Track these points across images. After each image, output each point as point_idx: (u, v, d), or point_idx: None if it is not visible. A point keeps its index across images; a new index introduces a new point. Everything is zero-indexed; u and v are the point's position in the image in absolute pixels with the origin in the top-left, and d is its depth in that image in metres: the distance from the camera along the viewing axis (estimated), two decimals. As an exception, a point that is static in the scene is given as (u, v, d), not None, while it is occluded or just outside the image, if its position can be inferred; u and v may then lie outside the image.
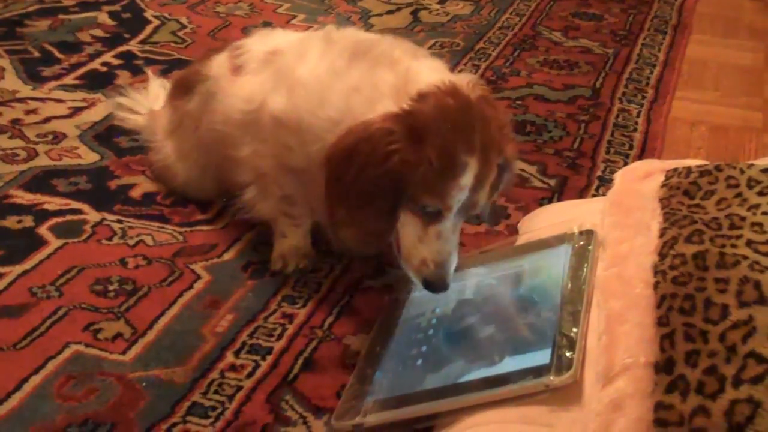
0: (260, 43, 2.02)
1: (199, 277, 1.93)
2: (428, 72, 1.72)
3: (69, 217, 2.12)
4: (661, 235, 1.53)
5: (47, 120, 2.57)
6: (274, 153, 1.87)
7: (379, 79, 1.71)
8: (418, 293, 1.79)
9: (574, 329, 1.46)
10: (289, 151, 1.83)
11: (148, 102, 2.51)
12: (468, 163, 1.59)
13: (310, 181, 1.84)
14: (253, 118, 1.89)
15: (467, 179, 1.60)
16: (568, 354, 1.41)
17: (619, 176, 1.81)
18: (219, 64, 2.05)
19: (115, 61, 2.98)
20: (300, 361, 1.71)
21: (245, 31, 3.24)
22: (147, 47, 3.11)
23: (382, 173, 1.59)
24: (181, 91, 2.16)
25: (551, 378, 1.37)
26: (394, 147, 1.58)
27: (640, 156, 2.50)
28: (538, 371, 1.40)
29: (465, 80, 1.70)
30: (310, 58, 1.84)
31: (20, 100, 2.68)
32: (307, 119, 1.77)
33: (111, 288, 1.88)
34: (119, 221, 2.11)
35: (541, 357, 1.43)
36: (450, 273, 1.64)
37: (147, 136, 2.35)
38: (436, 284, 1.63)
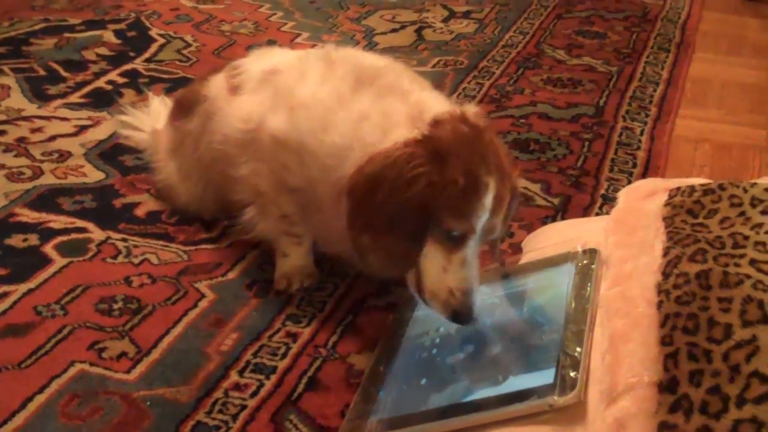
0: (258, 62, 2.03)
1: (203, 295, 1.94)
2: (438, 102, 1.76)
3: (74, 236, 2.12)
4: (665, 254, 1.53)
5: (52, 138, 2.58)
6: (272, 172, 1.87)
7: (391, 108, 1.73)
8: (422, 312, 1.79)
9: (578, 349, 1.46)
10: (288, 171, 1.84)
11: (150, 120, 2.52)
12: (489, 183, 1.62)
13: (308, 201, 1.85)
14: (251, 137, 1.90)
15: (489, 199, 1.63)
16: (572, 374, 1.41)
17: (623, 195, 1.81)
18: (217, 84, 2.06)
19: (120, 80, 2.99)
20: (304, 380, 1.71)
21: (250, 50, 3.26)
22: (152, 65, 3.12)
23: (409, 197, 1.60)
24: (182, 111, 2.17)
25: (555, 398, 1.37)
26: (420, 170, 1.60)
27: (644, 174, 2.50)
28: (542, 391, 1.40)
29: (471, 110, 1.74)
30: (310, 79, 1.85)
31: (26, 119, 2.69)
32: (309, 141, 1.78)
33: (116, 307, 1.89)
34: (124, 240, 2.12)
35: (545, 377, 1.43)
36: (476, 303, 1.63)
37: (150, 155, 2.36)
38: (464, 316, 1.62)
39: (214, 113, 2.02)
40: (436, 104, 1.75)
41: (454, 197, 1.60)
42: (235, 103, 1.96)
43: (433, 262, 1.64)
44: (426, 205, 1.60)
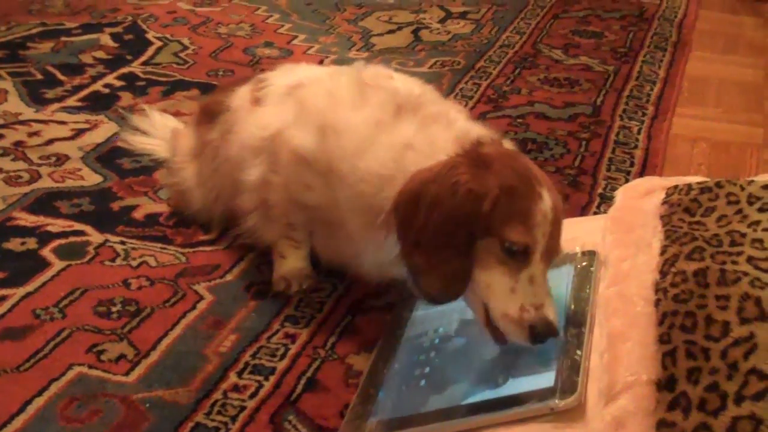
0: (284, 76, 2.03)
1: (201, 297, 1.94)
2: (481, 130, 1.73)
3: (72, 239, 2.12)
4: (662, 253, 1.53)
5: (50, 142, 2.58)
6: (287, 187, 1.87)
7: (436, 137, 1.69)
8: (421, 312, 1.79)
9: (578, 351, 1.46)
10: (308, 190, 1.83)
11: (155, 130, 2.54)
12: (542, 194, 1.56)
13: (326, 219, 1.85)
14: (267, 145, 1.90)
15: (547, 206, 1.55)
16: (572, 377, 1.41)
17: (620, 193, 1.82)
18: (241, 96, 2.07)
19: (118, 83, 2.99)
20: (303, 381, 1.71)
21: (247, 52, 3.27)
22: (149, 68, 3.12)
23: (452, 206, 1.54)
24: (206, 118, 2.17)
25: (556, 401, 1.37)
26: (460, 177, 1.55)
27: (641, 173, 2.50)
28: (542, 394, 1.40)
29: (509, 144, 1.76)
30: (344, 102, 1.81)
31: (23, 123, 2.69)
32: (341, 166, 1.75)
33: (114, 309, 1.89)
34: (122, 242, 2.12)
35: (546, 379, 1.43)
36: (555, 316, 1.52)
37: (167, 155, 2.37)
38: (544, 330, 1.50)
39: (234, 124, 2.02)
40: (480, 131, 1.71)
41: (504, 205, 1.53)
42: (255, 114, 1.97)
43: (498, 284, 1.54)
44: (471, 215, 1.53)
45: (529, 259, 1.53)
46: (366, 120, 1.76)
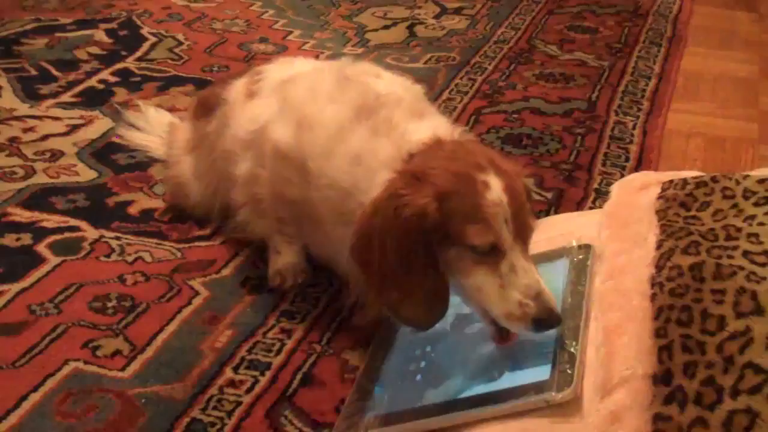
0: (279, 70, 2.04)
1: (197, 293, 1.94)
2: (422, 132, 1.69)
3: (67, 235, 2.12)
4: (658, 247, 1.53)
5: (45, 138, 2.58)
6: (272, 181, 1.88)
7: (379, 147, 1.69)
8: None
9: (574, 344, 1.46)
10: (288, 183, 1.84)
11: (150, 127, 2.54)
12: (488, 181, 1.53)
13: (305, 215, 1.85)
14: (255, 138, 1.90)
15: (496, 193, 1.52)
16: (568, 370, 1.41)
17: (616, 188, 1.82)
18: (237, 89, 2.07)
19: (112, 79, 2.99)
20: (299, 377, 1.71)
21: (242, 48, 3.26)
22: (144, 64, 3.12)
23: (401, 232, 1.52)
24: (203, 111, 2.18)
25: (552, 394, 1.37)
26: (399, 201, 1.52)
27: (637, 168, 2.50)
28: (538, 387, 1.40)
29: (448, 132, 1.71)
30: (320, 97, 1.83)
31: (18, 118, 2.69)
32: (312, 167, 1.76)
33: (109, 305, 1.88)
34: (117, 238, 2.11)
35: (542, 373, 1.43)
36: (554, 301, 1.49)
37: (164, 149, 2.37)
38: (547, 319, 1.48)
39: (229, 118, 2.03)
40: (417, 136, 1.68)
41: (451, 209, 1.51)
42: (247, 107, 1.98)
43: (481, 284, 1.52)
44: (420, 233, 1.51)
45: (502, 250, 1.51)
46: (334, 116, 1.77)
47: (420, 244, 1.52)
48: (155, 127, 2.52)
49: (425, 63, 3.20)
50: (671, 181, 1.73)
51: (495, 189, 1.53)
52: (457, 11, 3.79)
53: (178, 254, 2.07)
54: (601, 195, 2.33)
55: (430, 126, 1.73)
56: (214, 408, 1.63)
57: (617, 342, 1.40)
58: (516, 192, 1.55)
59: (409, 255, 1.53)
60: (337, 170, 1.73)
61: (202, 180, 2.16)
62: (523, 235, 1.54)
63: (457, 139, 1.70)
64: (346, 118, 1.76)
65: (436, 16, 3.73)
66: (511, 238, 1.51)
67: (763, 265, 1.39)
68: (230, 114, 2.03)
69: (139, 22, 3.51)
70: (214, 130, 2.09)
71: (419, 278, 1.54)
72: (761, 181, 1.61)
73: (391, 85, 1.87)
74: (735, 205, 1.58)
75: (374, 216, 1.56)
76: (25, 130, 2.62)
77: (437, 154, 1.62)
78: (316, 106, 1.81)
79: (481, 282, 1.52)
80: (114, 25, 3.47)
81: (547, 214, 2.26)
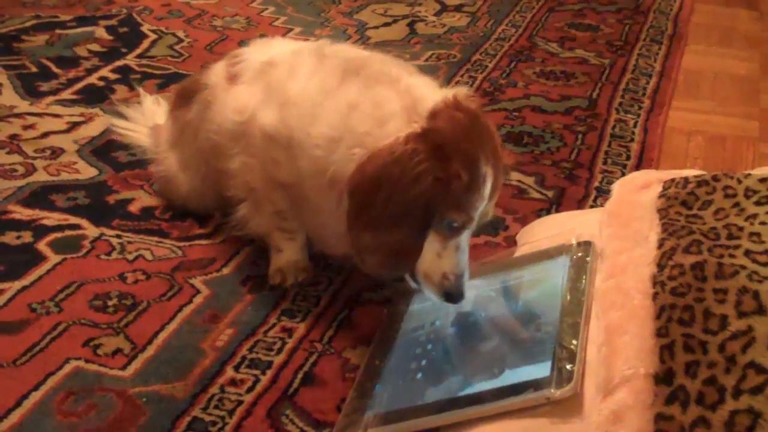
0: (258, 52, 2.03)
1: (198, 291, 1.93)
2: (428, 89, 1.76)
3: (68, 233, 2.12)
4: (660, 246, 1.53)
5: (45, 135, 2.58)
6: (263, 167, 1.87)
7: (380, 97, 1.72)
8: (417, 306, 1.79)
9: (574, 341, 1.46)
10: (278, 166, 1.84)
11: (144, 119, 2.51)
12: (487, 173, 1.65)
13: (299, 196, 1.85)
14: (243, 129, 1.90)
15: (488, 189, 1.66)
16: (568, 366, 1.41)
17: (617, 187, 1.82)
18: (216, 72, 2.06)
19: (113, 76, 2.99)
20: (300, 375, 1.71)
21: (242, 45, 3.25)
22: (144, 61, 3.11)
23: (415, 195, 1.60)
24: (182, 101, 2.16)
25: (552, 391, 1.37)
26: (424, 167, 1.59)
27: (638, 166, 2.50)
28: (538, 384, 1.40)
29: (462, 93, 1.74)
30: (301, 75, 1.85)
31: (18, 116, 2.68)
32: (298, 136, 1.78)
33: (110, 303, 1.88)
34: (118, 236, 2.11)
35: (542, 370, 1.43)
36: (466, 283, 1.68)
37: (150, 149, 2.36)
38: (456, 296, 1.66)
39: (212, 102, 2.02)
40: (428, 91, 1.74)
41: (457, 192, 1.61)
42: (231, 93, 1.97)
43: (429, 248, 1.66)
44: (431, 201, 1.61)
45: (462, 231, 1.66)
46: (317, 87, 1.80)
47: (422, 210, 1.62)
48: (149, 119, 2.50)
49: (426, 60, 3.20)
50: (672, 180, 1.72)
51: (489, 183, 1.66)
52: (458, 8, 3.78)
53: (179, 252, 2.06)
54: (602, 193, 2.33)
55: (431, 84, 1.79)
56: (215, 407, 1.63)
57: (619, 341, 1.39)
58: (497, 188, 1.71)
59: (407, 214, 1.62)
60: (326, 125, 1.75)
61: (190, 169, 2.15)
62: (481, 222, 1.72)
63: (471, 108, 1.72)
64: (330, 83, 1.80)
65: (437, 14, 3.72)
66: (476, 222, 1.68)
67: (765, 264, 1.39)
68: (212, 98, 2.02)
69: (139, 19, 3.50)
70: (196, 116, 2.08)
71: (401, 236, 1.64)
72: (763, 180, 1.61)
73: (375, 54, 1.93)
74: (737, 204, 1.58)
75: (394, 166, 1.61)
76: (26, 128, 2.61)
77: (457, 122, 1.66)
78: (298, 84, 1.84)
79: (429, 248, 1.66)
80: (114, 22, 3.46)
81: (548, 212, 2.26)
